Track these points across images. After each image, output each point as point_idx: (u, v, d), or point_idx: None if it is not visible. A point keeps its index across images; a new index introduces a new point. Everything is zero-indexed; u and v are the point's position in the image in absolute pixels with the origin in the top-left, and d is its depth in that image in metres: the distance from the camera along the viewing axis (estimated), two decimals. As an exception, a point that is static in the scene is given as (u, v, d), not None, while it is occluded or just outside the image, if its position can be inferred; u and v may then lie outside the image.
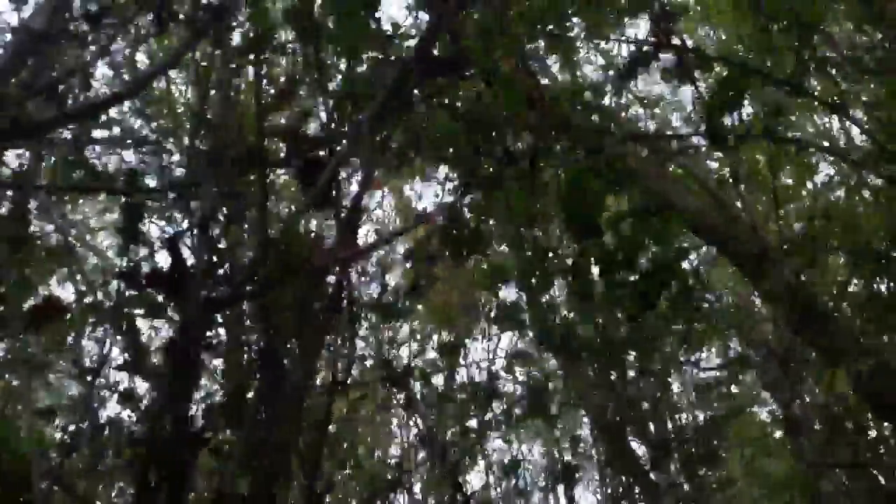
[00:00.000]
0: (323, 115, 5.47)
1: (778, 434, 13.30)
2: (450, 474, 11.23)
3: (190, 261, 4.52)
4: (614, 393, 11.59)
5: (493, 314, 12.08)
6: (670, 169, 11.26)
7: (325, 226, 5.82)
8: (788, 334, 9.21)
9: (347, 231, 4.83)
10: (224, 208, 4.88)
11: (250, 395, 5.51)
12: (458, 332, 12.90)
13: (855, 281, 10.61)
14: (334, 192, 4.87)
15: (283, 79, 5.90)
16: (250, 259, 4.79)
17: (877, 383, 8.14)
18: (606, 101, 9.68)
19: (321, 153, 5.06)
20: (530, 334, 12.20)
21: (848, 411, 9.63)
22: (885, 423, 9.85)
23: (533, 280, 9.49)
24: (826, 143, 11.85)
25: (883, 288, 10.78)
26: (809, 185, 13.14)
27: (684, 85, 8.31)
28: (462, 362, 13.41)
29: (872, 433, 10.60)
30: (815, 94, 8.91)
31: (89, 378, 6.71)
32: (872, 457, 10.45)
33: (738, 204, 10.31)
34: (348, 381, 6.89)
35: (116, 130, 8.25)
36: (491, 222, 8.74)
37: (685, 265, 8.49)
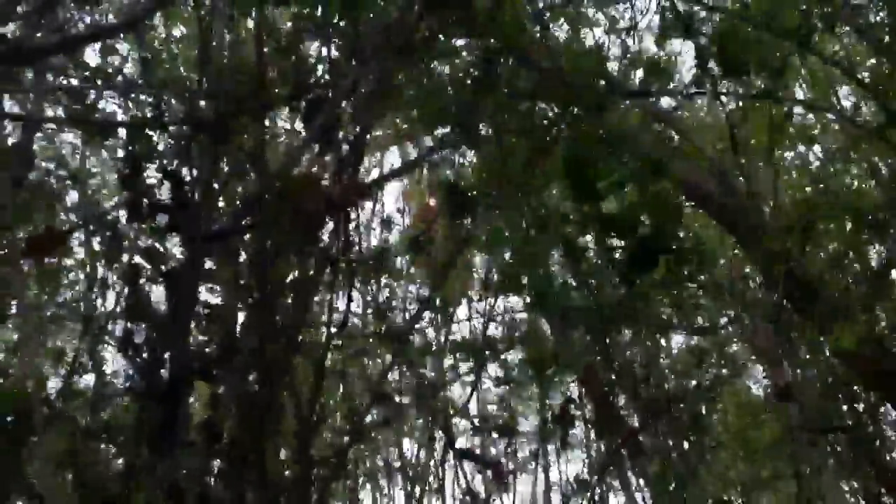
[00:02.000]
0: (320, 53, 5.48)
1: (765, 403, 13.43)
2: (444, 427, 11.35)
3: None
4: (605, 356, 11.68)
5: (490, 277, 12.13)
6: (668, 139, 11.31)
7: (325, 165, 5.85)
8: (779, 300, 9.28)
9: (347, 169, 4.89)
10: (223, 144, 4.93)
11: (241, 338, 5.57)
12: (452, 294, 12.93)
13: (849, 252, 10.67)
14: (334, 131, 4.91)
15: (288, 24, 5.91)
16: (249, 194, 4.85)
17: (865, 351, 8.26)
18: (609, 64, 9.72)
19: (322, 93, 5.11)
20: (527, 298, 12.24)
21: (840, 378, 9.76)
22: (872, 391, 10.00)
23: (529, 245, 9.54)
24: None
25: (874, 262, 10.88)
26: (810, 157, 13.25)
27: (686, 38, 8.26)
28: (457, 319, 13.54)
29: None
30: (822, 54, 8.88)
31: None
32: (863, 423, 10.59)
33: (738, 175, 10.35)
34: (345, 327, 6.94)
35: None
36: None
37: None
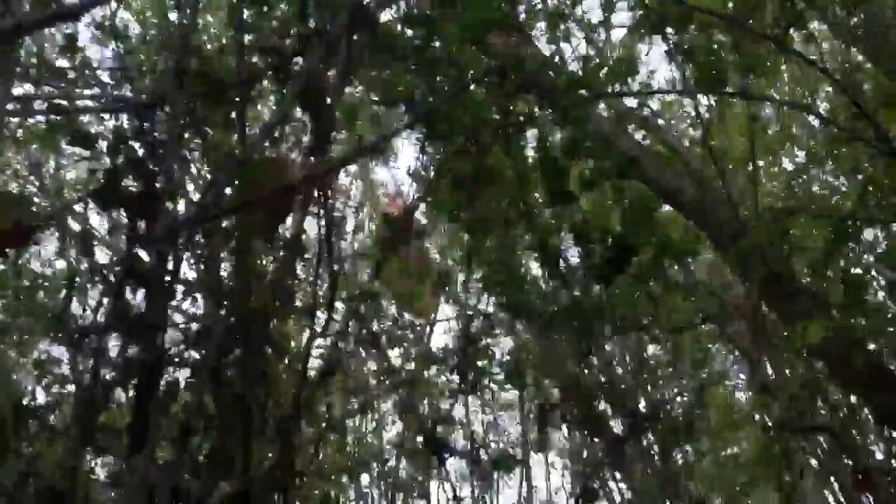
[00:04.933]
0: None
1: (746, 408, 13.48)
2: (429, 440, 11.31)
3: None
4: (587, 362, 11.70)
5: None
6: (646, 142, 11.39)
7: (291, 147, 5.85)
8: (757, 300, 9.32)
9: (315, 150, 4.90)
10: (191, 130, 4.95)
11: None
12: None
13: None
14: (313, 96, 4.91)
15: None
16: (216, 180, 4.85)
17: (838, 351, 8.31)
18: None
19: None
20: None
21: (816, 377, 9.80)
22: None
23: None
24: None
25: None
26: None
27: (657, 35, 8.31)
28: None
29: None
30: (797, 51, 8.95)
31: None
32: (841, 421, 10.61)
33: (716, 177, 10.40)
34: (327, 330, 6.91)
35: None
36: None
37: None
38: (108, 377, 4.97)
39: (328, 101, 5.00)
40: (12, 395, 7.00)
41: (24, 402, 6.92)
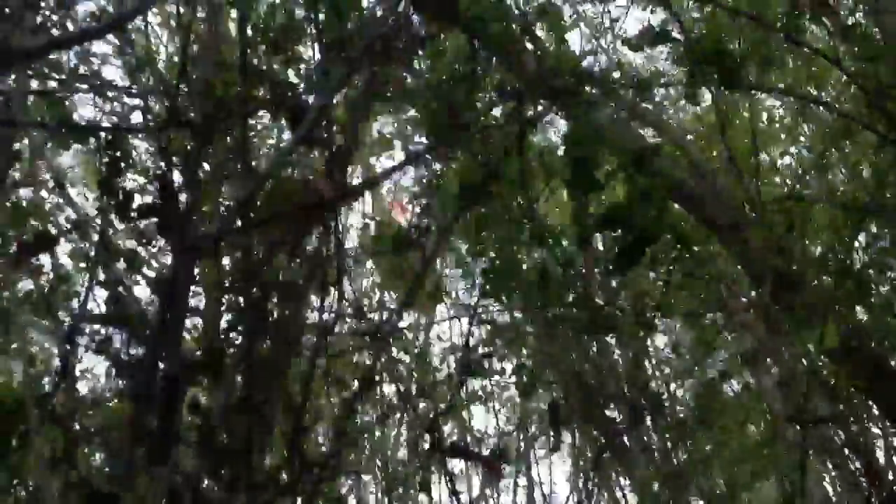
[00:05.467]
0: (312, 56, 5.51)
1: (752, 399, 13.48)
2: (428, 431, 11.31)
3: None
4: (590, 357, 11.75)
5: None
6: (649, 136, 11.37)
7: (313, 167, 5.85)
8: (766, 296, 9.34)
9: (336, 170, 4.92)
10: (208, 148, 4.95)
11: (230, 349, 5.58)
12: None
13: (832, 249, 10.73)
14: (321, 133, 4.93)
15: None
16: (237, 197, 4.86)
17: (846, 346, 8.33)
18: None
19: (306, 99, 5.13)
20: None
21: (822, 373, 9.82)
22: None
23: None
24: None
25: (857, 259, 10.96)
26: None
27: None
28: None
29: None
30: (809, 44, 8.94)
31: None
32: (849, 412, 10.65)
33: (719, 171, 10.40)
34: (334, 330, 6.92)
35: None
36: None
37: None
38: (134, 384, 4.98)
39: (342, 133, 5.02)
40: (33, 389, 7.05)
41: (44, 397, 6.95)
